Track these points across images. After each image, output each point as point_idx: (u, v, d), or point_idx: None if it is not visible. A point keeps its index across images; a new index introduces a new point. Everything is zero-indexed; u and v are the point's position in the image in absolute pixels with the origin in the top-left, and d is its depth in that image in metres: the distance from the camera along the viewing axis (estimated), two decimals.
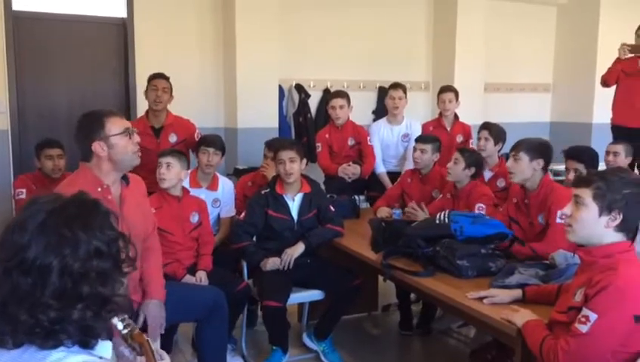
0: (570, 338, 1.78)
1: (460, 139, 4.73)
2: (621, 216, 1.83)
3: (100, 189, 2.26)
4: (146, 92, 4.03)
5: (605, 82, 5.25)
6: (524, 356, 2.06)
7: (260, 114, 5.40)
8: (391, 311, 4.16)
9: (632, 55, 4.93)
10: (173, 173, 3.15)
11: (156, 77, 4.01)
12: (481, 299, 2.32)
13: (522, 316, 2.06)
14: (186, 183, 3.44)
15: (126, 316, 1.29)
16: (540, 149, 3.01)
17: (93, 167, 2.30)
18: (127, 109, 5.19)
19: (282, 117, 5.87)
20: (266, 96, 5.52)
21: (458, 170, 3.48)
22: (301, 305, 3.73)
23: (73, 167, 2.55)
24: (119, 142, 2.27)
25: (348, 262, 3.36)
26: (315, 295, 3.33)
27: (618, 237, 1.86)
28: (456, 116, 4.81)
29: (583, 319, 1.76)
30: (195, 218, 3.25)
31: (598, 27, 6.94)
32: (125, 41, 5.19)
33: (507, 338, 2.21)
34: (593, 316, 1.74)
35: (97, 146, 2.26)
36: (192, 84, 5.32)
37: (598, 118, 6.63)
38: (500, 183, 3.91)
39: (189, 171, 3.58)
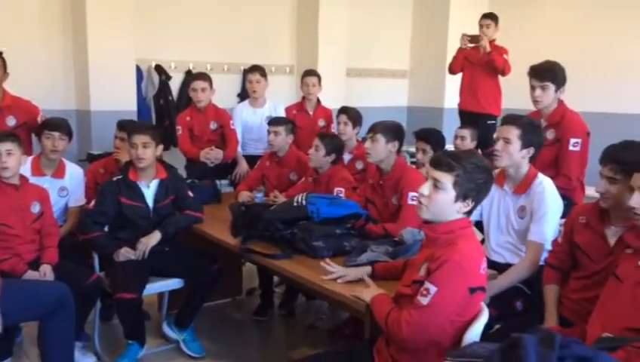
0: (413, 310, 1.88)
1: (322, 123, 4.82)
2: (473, 203, 1.96)
3: None
4: None
5: (451, 70, 5.64)
6: (373, 329, 2.15)
7: (115, 96, 5.08)
8: (255, 295, 4.17)
9: (473, 45, 5.33)
10: (14, 161, 2.86)
11: None
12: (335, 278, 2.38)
13: (370, 291, 2.14)
14: (27, 171, 3.15)
15: None
16: (395, 132, 3.14)
17: None
18: None
19: (141, 99, 5.58)
20: (122, 77, 5.20)
21: (319, 157, 3.53)
22: (161, 295, 3.60)
23: None
24: None
25: (209, 248, 3.29)
26: (173, 283, 3.23)
27: (460, 216, 1.98)
28: (318, 100, 4.89)
29: (425, 292, 1.86)
30: (35, 208, 2.98)
31: (449, 16, 7.41)
32: None
33: (359, 314, 2.29)
34: (433, 289, 1.84)
35: None
36: (35, 61, 4.87)
37: (449, 103, 7.08)
38: (359, 165, 4.05)
39: (31, 158, 3.29)
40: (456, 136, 4.40)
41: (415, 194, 2.05)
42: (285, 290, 3.96)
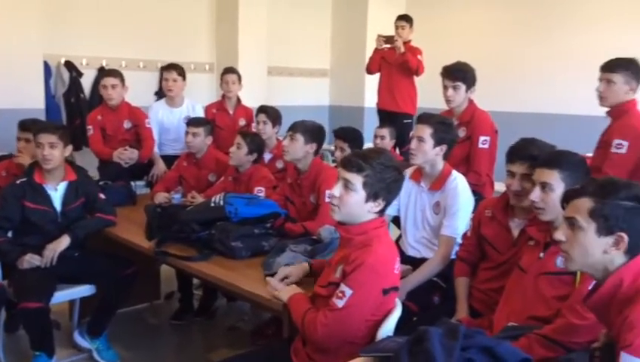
0: (328, 312, 1.90)
1: (242, 122, 4.77)
2: (384, 203, 1.99)
3: None
4: None
5: (368, 70, 5.75)
6: (291, 328, 2.15)
7: (19, 93, 4.79)
8: (174, 299, 4.06)
9: (389, 45, 5.46)
10: None
11: None
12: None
13: (288, 291, 2.14)
14: None
15: None
16: (315, 134, 3.15)
17: None
18: None
19: (50, 97, 5.30)
20: (27, 73, 4.92)
21: (241, 155, 3.48)
22: (72, 303, 3.43)
23: None
24: None
25: (124, 252, 3.16)
26: (84, 290, 3.08)
27: (374, 216, 2.01)
28: (238, 99, 4.84)
29: (340, 294, 1.89)
30: None
31: (367, 16, 7.55)
32: None
33: (278, 314, 2.28)
34: (349, 291, 1.87)
35: None
36: None
37: (369, 102, 7.22)
38: (279, 165, 4.03)
39: None
40: (375, 136, 4.48)
41: (333, 192, 2.06)
42: (204, 292, 3.88)
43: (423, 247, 2.87)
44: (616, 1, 6.25)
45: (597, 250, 1.51)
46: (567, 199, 1.59)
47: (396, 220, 3.07)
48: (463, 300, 2.47)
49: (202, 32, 6.62)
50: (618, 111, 3.05)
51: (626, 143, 2.94)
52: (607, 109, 3.11)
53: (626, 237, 1.48)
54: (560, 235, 1.58)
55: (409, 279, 2.62)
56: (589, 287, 1.65)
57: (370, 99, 6.55)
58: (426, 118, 2.79)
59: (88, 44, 5.63)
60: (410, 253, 2.88)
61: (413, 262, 2.74)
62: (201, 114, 4.51)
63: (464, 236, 2.65)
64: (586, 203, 1.52)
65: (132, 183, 4.04)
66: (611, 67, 3.03)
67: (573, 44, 6.34)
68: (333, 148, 4.50)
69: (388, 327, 1.95)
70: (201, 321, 3.81)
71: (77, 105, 5.49)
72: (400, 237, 3.02)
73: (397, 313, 1.99)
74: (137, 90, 4.98)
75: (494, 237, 2.46)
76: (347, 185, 1.95)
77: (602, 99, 3.09)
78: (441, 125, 2.76)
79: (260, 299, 2.26)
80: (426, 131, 2.73)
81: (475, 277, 2.54)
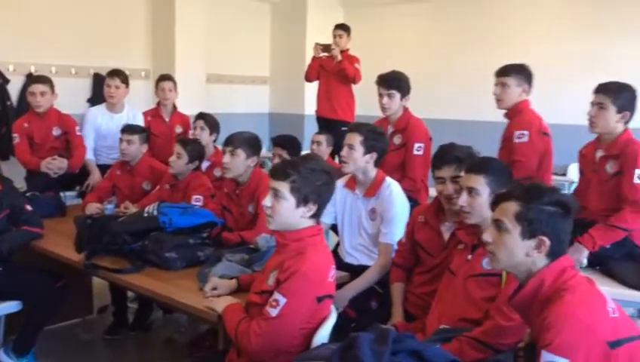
0: (262, 321, 1.88)
1: (179, 129, 4.69)
2: (316, 206, 1.99)
3: None
4: None
5: (307, 77, 5.80)
6: (226, 340, 2.12)
7: None
8: (108, 313, 3.92)
9: (327, 54, 5.51)
10: None
11: None
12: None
13: (222, 302, 2.11)
14: None
15: None
16: (255, 146, 3.11)
17: None
18: None
19: None
20: None
21: (181, 164, 3.41)
22: None
23: None
24: None
25: (53, 265, 3.03)
26: (9, 307, 2.92)
27: (309, 222, 2.01)
28: (174, 106, 4.75)
29: (274, 303, 1.87)
30: None
31: (306, 25, 7.60)
32: None
33: (213, 325, 2.25)
34: (282, 300, 1.86)
35: None
36: None
37: (309, 109, 7.25)
38: (217, 173, 3.97)
39: None
40: (312, 142, 4.49)
41: (265, 203, 2.05)
42: (139, 305, 3.77)
43: (361, 254, 2.90)
44: (531, 19, 6.62)
45: (520, 252, 1.57)
46: (496, 202, 1.65)
47: (334, 228, 3.09)
48: (397, 305, 2.51)
49: (138, 38, 6.48)
50: (514, 112, 3.25)
51: (526, 132, 3.14)
52: (504, 111, 3.30)
53: (547, 241, 1.55)
54: (487, 236, 1.64)
55: (350, 286, 2.64)
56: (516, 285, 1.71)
57: (310, 106, 6.60)
58: (356, 127, 2.85)
59: (15, 49, 5.40)
60: (348, 260, 2.90)
61: (351, 270, 2.76)
62: (141, 122, 4.41)
63: (399, 242, 2.70)
64: (512, 206, 1.58)
65: (62, 194, 3.89)
66: (505, 71, 3.24)
67: (494, 56, 6.60)
68: (271, 155, 4.50)
69: (323, 334, 1.95)
70: (136, 335, 3.70)
71: (3, 112, 5.26)
72: (338, 244, 3.04)
73: (332, 320, 2.00)
74: (69, 98, 4.82)
75: (427, 241, 2.52)
76: (276, 194, 1.95)
77: (499, 101, 3.28)
78: (371, 133, 2.81)
79: (195, 311, 2.22)
80: (356, 139, 2.77)
81: (410, 282, 2.59)
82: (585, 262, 2.69)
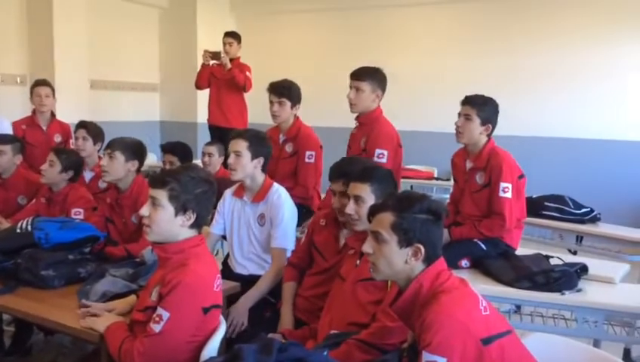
0: (145, 338, 1.82)
1: (58, 139, 4.42)
2: (195, 215, 1.95)
3: None
4: None
5: (197, 85, 5.71)
6: (110, 360, 2.01)
7: None
8: None
9: (216, 61, 5.46)
10: None
11: None
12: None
13: (104, 321, 2.01)
14: None
15: None
16: (135, 150, 3.02)
17: None
18: None
19: None
20: None
21: (54, 173, 3.22)
22: None
23: None
24: None
25: None
26: None
27: (190, 232, 1.97)
28: (53, 114, 4.47)
29: (157, 318, 1.81)
30: None
31: (197, 32, 7.49)
32: None
33: (96, 345, 2.13)
34: (166, 314, 1.80)
35: None
36: None
37: (201, 117, 7.12)
38: (102, 184, 3.77)
39: None
40: (203, 153, 4.40)
41: (142, 212, 1.98)
42: (16, 328, 3.49)
43: (252, 264, 2.88)
44: (411, 32, 7.06)
45: (399, 260, 1.63)
46: (372, 213, 1.71)
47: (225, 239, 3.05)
48: (288, 304, 2.54)
49: (11, 40, 6.02)
50: (367, 118, 3.34)
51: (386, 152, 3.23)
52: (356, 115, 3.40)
53: (422, 247, 1.62)
54: (367, 248, 1.68)
55: (247, 296, 2.63)
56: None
57: (203, 114, 6.48)
58: (239, 133, 2.85)
59: None
60: (238, 270, 2.88)
61: (242, 280, 2.73)
62: (9, 130, 4.09)
63: (296, 243, 2.72)
64: (387, 217, 1.64)
65: None
66: (359, 75, 3.30)
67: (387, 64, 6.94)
68: (161, 164, 4.36)
69: (212, 346, 1.91)
70: (14, 360, 3.42)
71: None
72: (229, 255, 3.00)
73: (221, 332, 1.96)
74: None
75: (323, 244, 2.56)
76: (154, 202, 1.91)
77: (352, 105, 3.35)
78: (256, 138, 2.82)
79: (75, 332, 2.10)
80: (242, 145, 2.77)
81: (300, 285, 2.61)
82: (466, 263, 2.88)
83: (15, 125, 4.29)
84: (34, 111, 4.38)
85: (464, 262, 2.89)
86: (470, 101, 2.94)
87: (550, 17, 6.34)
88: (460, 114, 2.97)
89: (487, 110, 2.93)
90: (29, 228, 2.61)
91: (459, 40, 6.86)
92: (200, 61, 5.72)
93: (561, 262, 2.86)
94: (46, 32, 6.02)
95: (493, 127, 2.97)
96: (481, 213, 2.95)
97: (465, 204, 3.03)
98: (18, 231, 2.62)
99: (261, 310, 2.70)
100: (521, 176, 2.94)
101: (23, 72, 6.12)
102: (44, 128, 4.36)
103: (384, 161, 3.18)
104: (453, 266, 1.78)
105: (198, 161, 4.43)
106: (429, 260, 1.64)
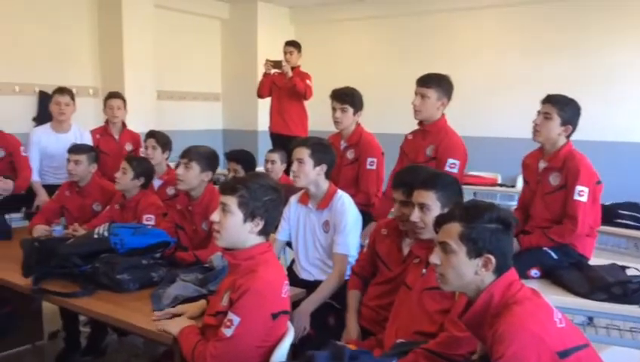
0: (217, 342, 1.86)
1: (129, 147, 4.61)
2: (263, 221, 1.99)
3: None
4: None
5: (259, 94, 5.81)
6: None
7: None
8: (59, 338, 3.78)
9: (278, 70, 5.55)
10: None
11: None
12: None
13: (177, 324, 2.08)
14: None
15: None
16: (210, 161, 3.09)
17: None
18: None
19: None
20: None
21: (127, 180, 3.35)
22: None
23: None
24: None
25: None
26: None
27: (259, 239, 2.01)
28: (124, 124, 4.67)
29: (228, 323, 1.86)
30: None
31: (257, 41, 7.63)
32: None
33: (169, 347, 2.20)
34: (236, 319, 1.85)
35: None
36: None
37: (262, 125, 7.26)
38: (170, 191, 3.92)
39: None
40: (266, 160, 4.48)
41: (213, 218, 2.04)
42: (92, 329, 3.66)
43: (316, 269, 2.91)
44: (476, 35, 6.91)
45: (469, 271, 1.61)
46: (438, 224, 1.69)
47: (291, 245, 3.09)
48: (352, 311, 2.54)
49: (85, 55, 6.34)
50: (433, 126, 3.28)
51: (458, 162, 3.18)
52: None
53: (493, 258, 1.59)
54: (435, 259, 1.66)
55: (310, 300, 2.65)
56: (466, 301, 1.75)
57: (263, 122, 6.61)
58: (302, 141, 2.89)
59: None
60: (303, 276, 2.91)
61: (307, 286, 2.76)
62: (89, 141, 4.31)
63: (360, 252, 2.73)
64: (455, 227, 1.62)
65: (7, 216, 3.74)
66: (425, 81, 3.24)
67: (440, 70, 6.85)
68: (226, 171, 4.47)
69: (281, 353, 1.94)
70: (90, 360, 3.58)
71: None
72: (294, 261, 3.04)
73: (289, 337, 1.99)
74: (12, 116, 4.67)
75: (386, 254, 2.55)
76: (224, 208, 1.96)
77: (416, 112, 3.30)
78: (318, 146, 2.85)
79: (149, 334, 2.17)
80: (304, 153, 2.81)
81: (364, 294, 2.61)
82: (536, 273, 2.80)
83: (91, 134, 4.50)
84: (107, 122, 4.59)
85: (534, 272, 2.81)
86: (552, 100, 2.87)
87: (621, 15, 6.09)
88: (539, 112, 2.89)
89: (568, 111, 2.84)
90: (106, 233, 2.73)
91: (521, 43, 6.69)
92: (260, 70, 5.84)
93: (638, 273, 2.74)
94: (116, 48, 6.31)
95: (574, 129, 2.88)
96: (552, 217, 2.85)
97: (535, 207, 2.94)
98: (95, 236, 2.75)
99: (324, 315, 2.72)
100: (599, 182, 2.83)
101: (96, 85, 6.43)
102: (117, 137, 4.56)
103: (455, 171, 3.13)
104: (522, 276, 1.73)
105: (260, 168, 4.51)
106: (499, 271, 1.61)
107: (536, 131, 2.90)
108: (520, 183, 5.88)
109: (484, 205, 1.66)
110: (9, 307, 2.88)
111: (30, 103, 5.77)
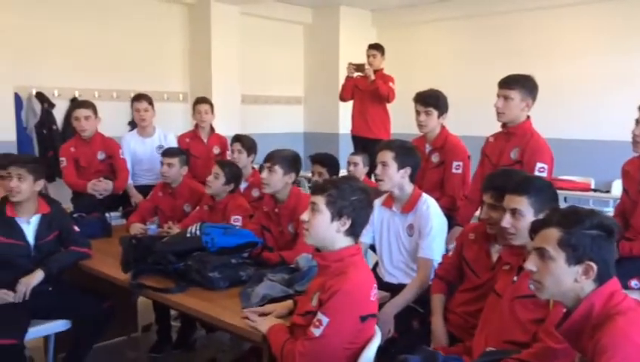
0: (306, 341, 1.90)
1: (216, 150, 4.78)
2: (350, 221, 2.01)
3: None
4: None
5: (341, 97, 5.84)
6: (271, 360, 2.13)
7: None
8: (152, 331, 3.98)
9: (359, 73, 5.55)
10: None
11: None
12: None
13: (267, 322, 2.13)
14: None
15: None
16: (293, 163, 3.15)
17: None
18: None
19: (21, 129, 5.25)
20: None
21: (218, 185, 3.48)
22: (47, 338, 3.35)
23: None
24: None
25: (99, 284, 3.11)
26: (58, 326, 3.01)
27: (348, 241, 2.03)
28: (212, 128, 4.85)
29: (317, 323, 1.89)
30: None
31: (339, 45, 7.69)
32: None
33: (257, 344, 2.26)
34: (325, 320, 1.88)
35: None
36: None
37: (343, 128, 7.31)
38: (255, 193, 4.03)
39: None
40: (349, 163, 4.49)
41: (303, 217, 2.09)
42: (182, 324, 3.83)
43: (401, 273, 2.90)
44: (565, 34, 6.61)
45: (568, 278, 1.54)
46: (534, 230, 1.63)
47: (373, 248, 3.09)
48: (438, 314, 2.50)
49: (175, 62, 6.66)
50: (518, 128, 3.14)
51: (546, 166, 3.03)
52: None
53: (594, 266, 1.52)
54: (531, 265, 1.61)
55: (393, 303, 2.64)
56: (564, 310, 1.69)
57: (345, 125, 6.66)
58: (386, 144, 2.88)
59: (60, 75, 5.62)
60: (387, 279, 2.90)
61: (391, 289, 2.75)
62: (173, 143, 4.51)
63: (444, 256, 2.69)
64: (553, 233, 1.56)
65: (107, 215, 4.00)
66: (508, 83, 3.11)
67: (529, 72, 6.58)
68: (309, 174, 4.54)
69: (368, 356, 1.95)
70: (180, 353, 3.74)
71: (49, 136, 5.44)
72: (377, 264, 3.04)
73: (377, 341, 2.00)
74: (111, 121, 4.97)
75: (474, 260, 2.50)
76: (313, 208, 2.01)
77: (500, 115, 3.17)
78: (402, 148, 2.84)
79: (239, 330, 2.24)
80: (388, 156, 2.80)
81: (451, 300, 2.57)
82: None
83: (180, 138, 4.71)
84: (196, 126, 4.78)
85: (634, 283, 2.65)
86: None
87: None
88: (637, 121, 2.73)
89: None
90: (198, 233, 2.85)
91: (608, 40, 6.30)
92: (342, 73, 5.87)
93: None
94: (205, 56, 6.59)
95: None
96: None
97: (637, 217, 2.77)
98: (188, 235, 2.87)
99: (407, 319, 2.70)
100: None
101: (185, 90, 6.73)
102: (205, 141, 4.74)
103: (544, 174, 3.00)
104: (621, 286, 1.64)
105: (343, 171, 4.54)
106: (600, 279, 1.54)
107: (636, 142, 2.73)
108: (615, 189, 5.59)
109: (584, 211, 1.59)
110: (109, 302, 3.06)
111: (126, 108, 6.10)
